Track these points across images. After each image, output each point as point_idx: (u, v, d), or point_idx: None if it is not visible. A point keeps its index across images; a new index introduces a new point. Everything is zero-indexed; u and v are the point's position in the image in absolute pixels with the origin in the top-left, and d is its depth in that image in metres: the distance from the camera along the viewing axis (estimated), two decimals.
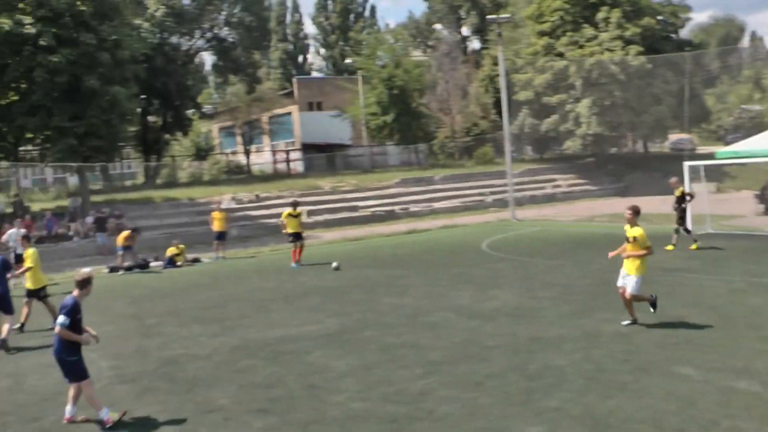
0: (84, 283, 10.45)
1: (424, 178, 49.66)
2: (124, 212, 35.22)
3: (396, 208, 42.51)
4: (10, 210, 38.33)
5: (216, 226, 29.22)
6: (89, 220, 35.47)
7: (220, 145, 72.85)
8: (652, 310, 13.65)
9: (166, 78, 53.46)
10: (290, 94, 68.23)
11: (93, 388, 10.31)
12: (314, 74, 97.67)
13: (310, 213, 40.38)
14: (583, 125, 51.20)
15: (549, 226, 33.26)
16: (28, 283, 17.12)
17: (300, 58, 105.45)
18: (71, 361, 10.16)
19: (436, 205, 43.99)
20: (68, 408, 10.26)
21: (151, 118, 60.38)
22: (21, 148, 44.87)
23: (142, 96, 50.23)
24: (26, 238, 19.34)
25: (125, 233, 27.64)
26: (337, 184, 47.61)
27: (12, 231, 26.11)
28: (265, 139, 67.40)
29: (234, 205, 41.23)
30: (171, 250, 28.16)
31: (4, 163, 43.42)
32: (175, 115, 58.13)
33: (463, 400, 9.81)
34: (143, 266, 27.68)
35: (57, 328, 10.08)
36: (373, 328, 14.53)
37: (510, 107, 41.75)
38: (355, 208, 42.19)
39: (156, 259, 28.74)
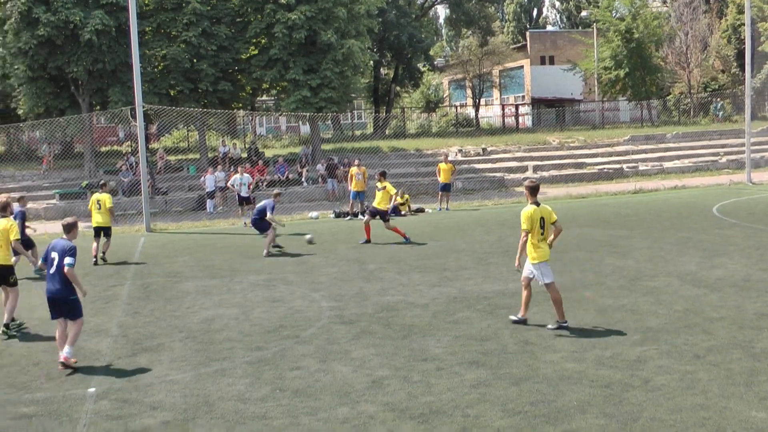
0: (69, 228, 11.19)
1: (655, 135, 47.82)
2: (351, 161, 36.51)
3: (624, 166, 41.25)
4: (245, 155, 40.67)
5: (442, 177, 29.61)
6: (320, 167, 37.01)
7: (450, 98, 73.30)
8: None
9: (398, 31, 54.25)
10: (522, 48, 67.46)
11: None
12: (548, 28, 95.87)
13: (536, 168, 40.06)
14: None
15: None
16: None
17: (534, 12, 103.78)
18: (74, 300, 10.84)
19: (667, 164, 42.26)
20: (67, 349, 10.68)
21: (382, 71, 61.64)
22: (258, 99, 47.24)
23: (375, 49, 51.30)
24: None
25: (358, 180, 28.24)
26: (565, 139, 46.85)
27: (236, 176, 27.61)
28: (495, 93, 67.17)
29: (460, 158, 41.59)
30: (396, 199, 28.80)
31: (242, 112, 45.91)
32: (407, 68, 58.93)
33: (681, 373, 9.41)
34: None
35: (66, 269, 10.59)
36: (592, 289, 14.28)
37: (753, 59, 39.02)
38: (581, 165, 41.37)
39: None
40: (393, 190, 21.71)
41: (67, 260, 10.67)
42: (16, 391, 9.89)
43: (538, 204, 11.50)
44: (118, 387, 9.81)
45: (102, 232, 20.12)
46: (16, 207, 16.50)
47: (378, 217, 21.64)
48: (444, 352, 10.63)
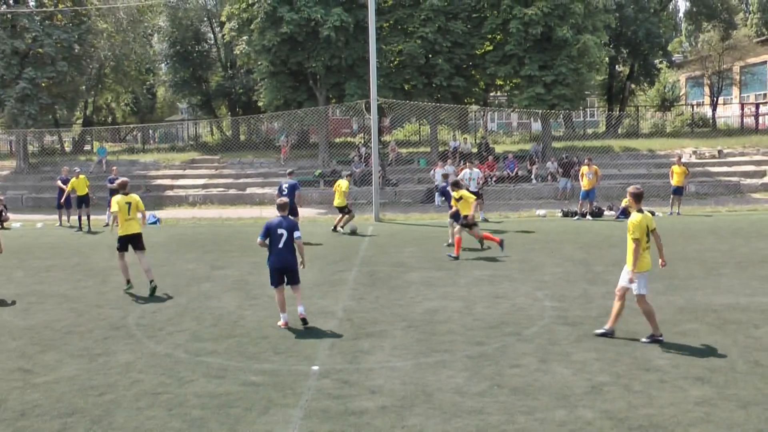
0: (283, 207, 12.58)
1: None
2: (582, 160, 35.90)
3: None
4: (475, 150, 40.89)
5: (674, 180, 28.51)
6: (550, 164, 36.61)
7: (686, 96, 70.27)
8: None
9: (636, 27, 52.62)
10: (767, 42, 63.44)
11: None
12: None
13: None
14: None
15: None
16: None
17: None
18: (297, 267, 12.37)
19: None
20: (301, 308, 12.30)
21: (618, 68, 60.03)
22: (490, 94, 47.34)
23: (611, 45, 50.07)
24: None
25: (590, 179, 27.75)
26: None
27: (466, 171, 27.72)
28: (734, 90, 63.62)
29: (694, 160, 39.79)
30: (626, 201, 28.02)
31: (474, 107, 46.19)
32: (643, 64, 57.04)
33: None
34: (597, 214, 27.97)
35: (299, 241, 12.29)
36: None
37: None
38: None
39: (610, 208, 28.87)
40: (472, 198, 19.69)
41: (298, 233, 12.27)
42: (246, 360, 10.55)
43: (642, 211, 11.19)
44: (340, 368, 10.19)
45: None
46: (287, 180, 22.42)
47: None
48: (668, 364, 10.21)
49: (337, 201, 24.68)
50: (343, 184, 24.57)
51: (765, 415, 8.44)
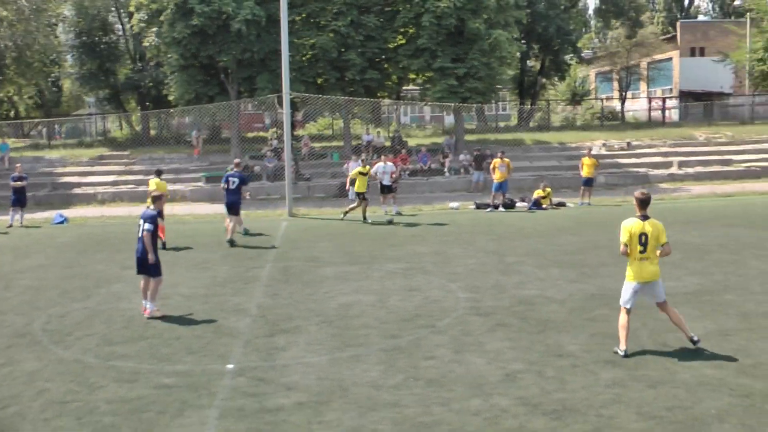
0: (156, 199, 13.20)
1: None
2: (495, 153, 36.41)
3: None
4: (388, 144, 41.04)
5: (585, 171, 29.08)
6: (463, 157, 36.97)
7: (596, 91, 71.84)
8: None
9: (546, 22, 53.50)
10: (672, 39, 65.19)
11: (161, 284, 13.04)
12: (700, 18, 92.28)
13: (681, 164, 38.79)
14: None
15: None
16: None
17: (686, 1, 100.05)
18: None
19: None
20: (147, 304, 12.77)
21: (529, 62, 60.97)
22: (403, 88, 47.51)
23: (523, 40, 50.80)
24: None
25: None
26: (713, 135, 45.09)
27: (379, 164, 27.76)
28: (642, 86, 65.32)
29: (604, 152, 40.72)
30: (538, 193, 28.59)
31: (387, 101, 46.32)
32: (553, 60, 58.08)
33: None
34: (509, 206, 28.35)
35: (145, 234, 12.57)
36: (735, 293, 13.65)
37: None
38: (728, 162, 39.66)
39: (522, 200, 29.29)
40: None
41: (147, 226, 12.67)
42: (158, 362, 10.34)
43: (646, 218, 10.20)
44: (255, 366, 10.09)
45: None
46: None
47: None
48: (580, 350, 10.44)
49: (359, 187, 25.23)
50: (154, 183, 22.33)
51: (673, 393, 8.75)
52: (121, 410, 8.63)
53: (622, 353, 10.08)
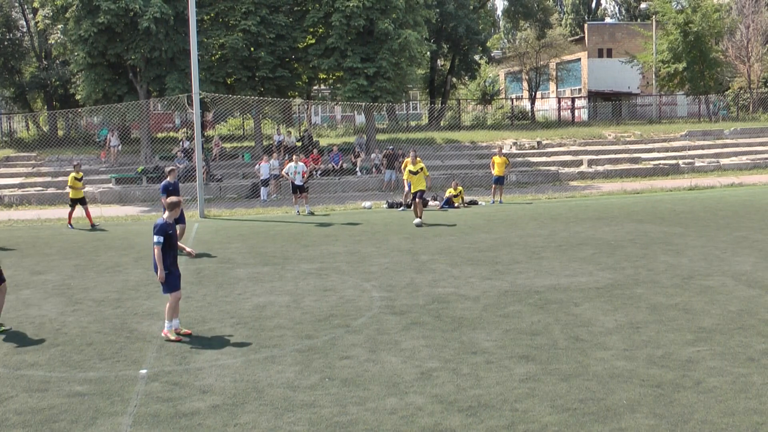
0: (172, 206, 11.93)
1: (713, 131, 46.99)
2: (406, 152, 36.70)
3: (680, 162, 40.55)
4: (299, 143, 40.94)
5: (496, 170, 29.50)
6: (374, 156, 37.10)
7: (506, 91, 72.94)
8: None
9: (456, 23, 54.05)
10: (580, 40, 66.79)
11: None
12: (607, 20, 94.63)
13: (590, 163, 39.71)
14: None
15: None
16: None
17: (593, 3, 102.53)
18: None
19: (724, 161, 41.55)
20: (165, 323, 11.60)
21: (439, 62, 61.48)
22: (314, 88, 47.38)
23: (432, 40, 51.24)
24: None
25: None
26: (621, 134, 46.34)
27: (291, 164, 27.74)
28: (551, 86, 66.65)
29: (515, 151, 41.39)
30: (450, 191, 28.87)
31: (298, 101, 46.19)
32: (463, 60, 58.74)
33: (734, 375, 9.22)
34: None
35: (154, 247, 11.52)
36: (645, 286, 14.08)
37: None
38: (637, 160, 40.91)
39: (434, 199, 29.53)
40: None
41: (155, 239, 11.57)
42: (70, 369, 10.10)
43: None
44: (169, 370, 9.96)
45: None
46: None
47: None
48: (494, 346, 10.60)
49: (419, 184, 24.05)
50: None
51: (585, 386, 8.97)
52: (32, 421, 8.39)
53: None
